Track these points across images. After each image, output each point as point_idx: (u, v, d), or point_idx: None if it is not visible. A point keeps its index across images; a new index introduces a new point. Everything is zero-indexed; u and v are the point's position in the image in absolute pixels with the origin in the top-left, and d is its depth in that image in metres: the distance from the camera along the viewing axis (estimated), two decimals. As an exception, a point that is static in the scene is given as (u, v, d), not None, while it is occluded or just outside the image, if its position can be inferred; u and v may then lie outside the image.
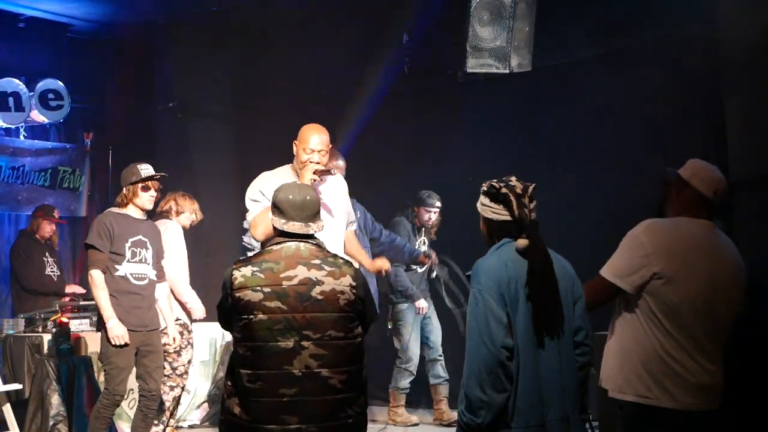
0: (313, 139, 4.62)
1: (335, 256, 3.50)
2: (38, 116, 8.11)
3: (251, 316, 3.29)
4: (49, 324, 6.46)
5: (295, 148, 4.69)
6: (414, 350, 7.12)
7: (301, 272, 3.34)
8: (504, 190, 3.01)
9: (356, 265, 3.73)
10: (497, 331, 2.85)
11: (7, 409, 6.16)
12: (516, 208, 2.98)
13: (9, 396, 6.22)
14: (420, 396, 7.57)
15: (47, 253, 7.58)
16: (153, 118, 9.09)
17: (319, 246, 3.46)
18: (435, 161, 7.64)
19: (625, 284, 3.25)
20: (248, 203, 4.58)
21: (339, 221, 4.77)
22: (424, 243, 7.32)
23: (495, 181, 3.07)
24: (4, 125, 8.11)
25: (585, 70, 6.88)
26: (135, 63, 9.07)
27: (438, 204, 7.22)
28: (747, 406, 3.71)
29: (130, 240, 5.44)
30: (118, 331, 5.26)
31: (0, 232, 8.50)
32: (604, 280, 3.30)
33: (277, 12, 7.99)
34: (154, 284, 5.61)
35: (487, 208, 3.06)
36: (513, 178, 3.08)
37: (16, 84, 7.90)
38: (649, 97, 6.45)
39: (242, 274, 3.34)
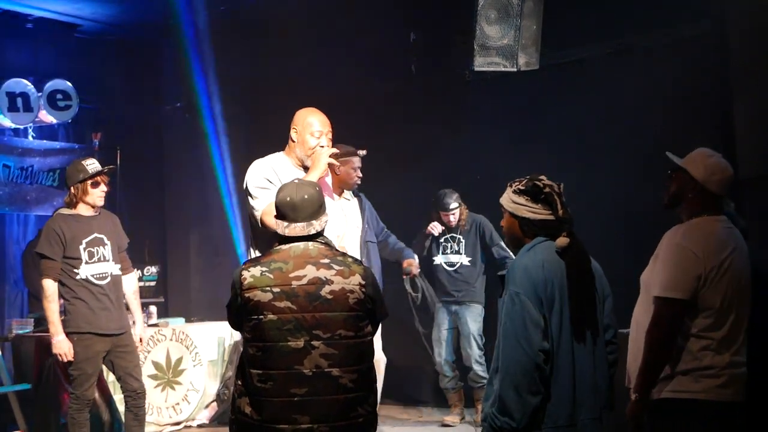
0: (319, 121, 4.34)
1: (344, 254, 3.49)
2: (46, 117, 8.12)
3: (261, 317, 3.29)
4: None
5: (295, 135, 4.36)
6: (438, 350, 7.13)
7: (310, 272, 3.32)
8: (547, 190, 2.99)
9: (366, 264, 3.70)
10: (534, 334, 2.84)
11: (17, 408, 6.18)
12: (560, 207, 2.97)
13: (18, 395, 6.24)
14: (428, 396, 7.61)
15: None
16: (161, 117, 9.11)
17: (328, 244, 3.45)
18: (442, 160, 7.63)
19: (689, 295, 3.22)
20: (256, 191, 4.25)
21: (346, 218, 4.68)
22: (456, 240, 7.15)
23: (532, 179, 3.04)
24: (13, 126, 8.13)
25: (593, 68, 6.87)
26: (143, 63, 9.10)
27: (453, 205, 7.05)
28: (759, 399, 3.71)
29: (84, 241, 5.29)
30: (63, 348, 5.18)
31: (9, 232, 8.52)
32: (669, 302, 3.21)
33: (285, 11, 7.99)
34: (119, 279, 5.48)
35: (524, 208, 3.03)
36: (543, 177, 3.06)
37: (24, 84, 7.92)
38: (657, 94, 6.42)
39: (251, 274, 3.33)
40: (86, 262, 5.28)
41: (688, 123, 6.21)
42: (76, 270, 5.25)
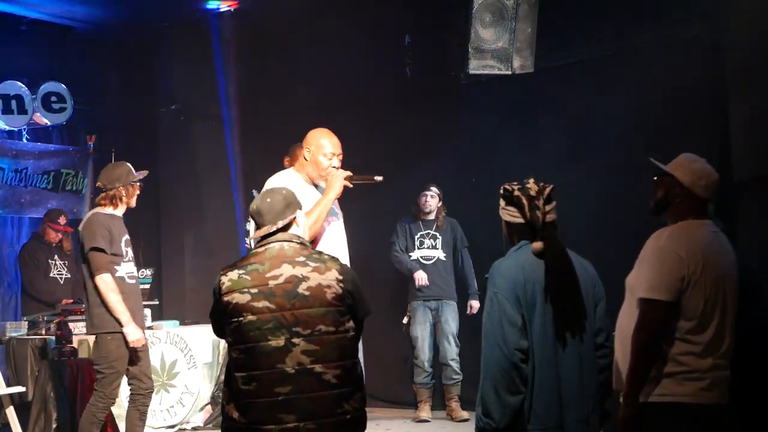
0: (331, 143, 4.54)
1: (320, 252, 3.54)
2: (41, 119, 8.11)
3: (240, 318, 3.32)
4: (52, 327, 6.46)
5: (307, 155, 4.55)
6: (423, 347, 7.27)
7: (286, 270, 3.36)
8: (516, 193, 3.02)
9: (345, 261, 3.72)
10: (511, 333, 2.86)
11: (11, 412, 6.17)
12: (527, 210, 2.99)
13: (12, 399, 6.23)
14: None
15: (55, 256, 7.62)
16: (155, 120, 9.10)
17: (303, 244, 3.50)
18: (437, 163, 7.64)
19: (674, 297, 3.21)
20: None
21: (341, 226, 4.74)
22: (431, 236, 7.39)
23: (510, 183, 3.08)
24: (7, 128, 8.11)
25: (587, 71, 6.87)
26: (137, 65, 9.09)
27: (432, 187, 7.40)
28: (750, 401, 3.72)
29: (123, 240, 5.39)
30: (138, 335, 5.23)
31: (3, 234, 8.51)
32: (654, 304, 3.20)
33: (280, 14, 7.99)
34: (138, 280, 5.59)
35: (505, 211, 3.09)
36: (531, 180, 3.08)
37: (18, 86, 7.90)
38: (653, 96, 6.42)
39: (229, 278, 3.38)
40: (124, 261, 5.37)
41: (684, 124, 6.22)
42: (116, 267, 5.31)
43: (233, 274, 3.38)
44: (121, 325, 5.21)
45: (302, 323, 3.30)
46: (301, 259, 3.40)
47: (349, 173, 4.50)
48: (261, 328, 3.29)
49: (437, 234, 7.42)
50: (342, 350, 3.36)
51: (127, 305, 5.29)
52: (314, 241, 4.44)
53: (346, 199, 4.72)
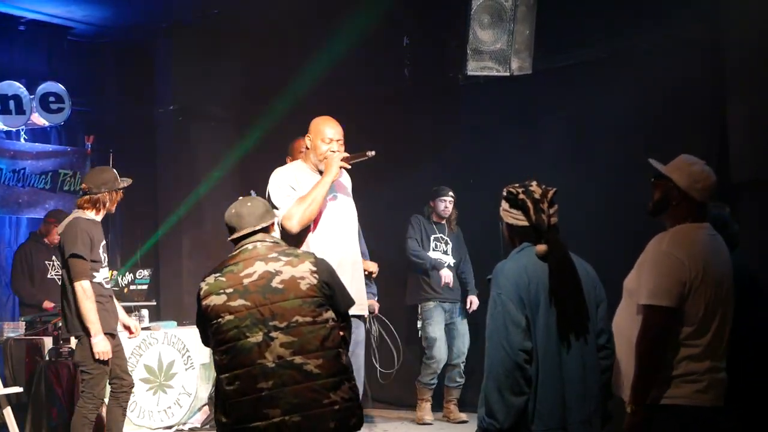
0: (330, 129, 4.63)
1: (294, 248, 3.60)
2: (39, 119, 8.10)
3: (219, 320, 3.37)
4: (50, 327, 6.44)
5: (309, 142, 4.65)
6: (439, 348, 7.21)
7: (259, 268, 3.42)
8: (521, 196, 3.03)
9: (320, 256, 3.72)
10: (515, 334, 2.86)
11: (8, 413, 6.15)
12: (533, 213, 3.00)
13: (9, 399, 6.21)
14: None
15: (53, 257, 7.59)
16: (154, 120, 9.09)
17: (276, 242, 3.57)
18: (435, 164, 7.63)
19: (677, 303, 3.20)
20: (279, 199, 4.49)
21: (353, 216, 4.81)
22: (444, 241, 7.39)
23: (514, 186, 3.08)
24: (5, 128, 8.10)
25: (585, 73, 6.86)
26: (136, 66, 9.08)
27: (451, 193, 7.35)
28: (747, 402, 3.71)
29: (101, 246, 5.38)
30: (105, 347, 5.18)
31: (1, 235, 8.50)
32: (657, 310, 3.18)
33: (278, 14, 7.98)
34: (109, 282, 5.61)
35: (508, 214, 3.09)
36: (533, 183, 3.09)
37: (16, 87, 7.89)
38: (651, 98, 6.41)
39: (207, 283, 3.45)
40: (102, 266, 5.36)
41: (684, 125, 6.21)
42: (95, 273, 5.30)
43: (210, 279, 3.45)
44: (89, 335, 5.17)
45: (278, 316, 3.34)
46: (274, 255, 3.46)
47: (346, 155, 4.58)
48: (239, 326, 3.33)
49: (448, 240, 7.41)
50: (321, 340, 3.36)
51: (107, 308, 5.31)
52: (314, 223, 4.51)
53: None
